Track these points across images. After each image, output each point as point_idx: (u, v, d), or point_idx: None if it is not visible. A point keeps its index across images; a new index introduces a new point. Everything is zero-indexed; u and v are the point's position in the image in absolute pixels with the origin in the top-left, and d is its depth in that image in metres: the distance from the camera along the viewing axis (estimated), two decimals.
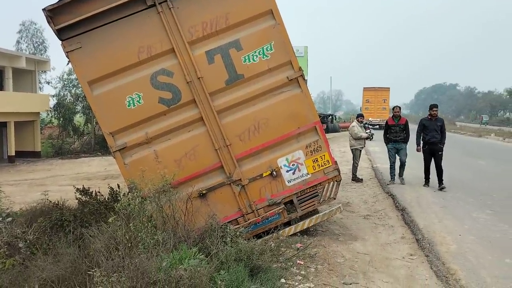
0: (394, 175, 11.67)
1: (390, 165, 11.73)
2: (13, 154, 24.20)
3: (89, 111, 30.30)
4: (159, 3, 5.87)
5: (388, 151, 11.71)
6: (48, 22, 5.65)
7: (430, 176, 10.93)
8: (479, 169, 14.40)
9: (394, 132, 11.44)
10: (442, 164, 10.50)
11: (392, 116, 11.65)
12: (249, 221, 6.26)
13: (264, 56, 6.18)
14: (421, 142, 10.91)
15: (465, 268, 5.52)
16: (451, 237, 6.81)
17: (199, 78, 6.07)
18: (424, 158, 10.86)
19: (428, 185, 10.83)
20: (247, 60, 6.16)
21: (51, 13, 5.63)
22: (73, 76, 32.04)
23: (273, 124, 6.26)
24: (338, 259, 5.78)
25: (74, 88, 31.92)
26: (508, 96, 77.24)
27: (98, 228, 5.54)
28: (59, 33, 5.76)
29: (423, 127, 10.79)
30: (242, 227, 5.96)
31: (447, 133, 11.44)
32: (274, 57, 6.19)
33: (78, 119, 32.87)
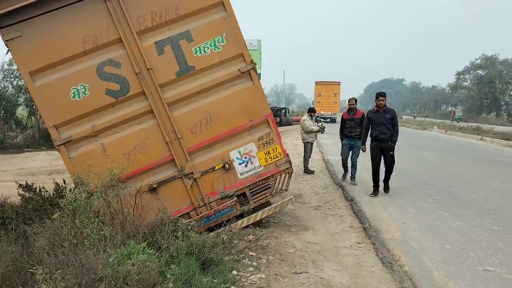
0: (347, 172, 10.98)
1: (342, 162, 10.94)
2: None
3: (32, 103, 28.77)
4: None
5: (342, 146, 10.78)
6: None
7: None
8: (422, 160, 15.14)
9: (349, 127, 10.45)
10: (392, 166, 9.12)
11: (348, 110, 10.64)
12: (201, 214, 6.22)
13: (216, 48, 6.12)
14: (368, 139, 9.46)
15: (408, 254, 5.80)
16: (396, 225, 7.12)
17: (148, 69, 5.92)
18: (371, 158, 9.17)
19: (377, 195, 9.17)
20: (198, 52, 6.08)
21: None
22: (15, 67, 30.26)
23: (225, 116, 6.24)
24: (289, 250, 5.88)
25: (16, 80, 30.20)
26: (450, 91, 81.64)
27: (42, 225, 5.31)
28: None
29: (369, 121, 9.19)
30: (194, 220, 5.91)
31: None
32: (226, 49, 6.15)
33: (21, 112, 31.14)
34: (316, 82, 44.65)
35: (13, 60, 24.65)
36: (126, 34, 5.80)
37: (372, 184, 9.30)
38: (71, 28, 5.64)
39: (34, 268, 3.55)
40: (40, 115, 27.64)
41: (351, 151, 10.66)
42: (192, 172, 6.17)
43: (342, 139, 10.83)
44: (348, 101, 10.74)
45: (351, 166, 10.64)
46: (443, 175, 11.95)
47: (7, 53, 5.74)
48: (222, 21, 6.11)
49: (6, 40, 5.54)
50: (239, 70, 6.23)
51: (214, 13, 6.09)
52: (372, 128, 9.19)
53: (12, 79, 30.35)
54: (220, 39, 6.13)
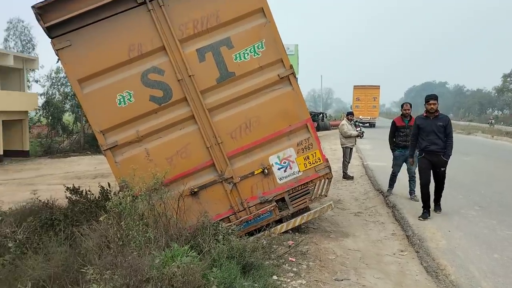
0: (393, 184, 9.84)
1: (392, 175, 9.72)
2: (1, 153, 23.91)
3: (78, 109, 30.03)
4: (149, 1, 5.84)
5: (394, 158, 9.57)
6: (38, 20, 5.59)
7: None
8: (467, 166, 14.59)
9: (404, 136, 9.21)
10: (444, 182, 7.95)
11: (401, 115, 9.52)
12: (240, 219, 6.27)
13: (255, 54, 6.19)
14: (416, 150, 8.17)
15: (454, 263, 5.60)
16: (440, 233, 6.89)
17: (190, 76, 6.06)
18: (420, 173, 7.97)
19: (427, 217, 7.74)
20: (238, 58, 6.17)
21: (41, 11, 5.57)
22: (62, 75, 31.73)
23: (265, 122, 6.28)
24: (330, 256, 5.82)
25: (63, 87, 31.62)
26: (496, 94, 78.27)
27: (89, 227, 5.52)
28: (49, 30, 5.70)
29: (418, 129, 7.93)
30: (234, 225, 5.97)
31: None
32: (265, 55, 6.20)
33: (67, 117, 32.56)
34: (354, 86, 44.03)
35: (60, 69, 25.87)
36: (169, 42, 5.96)
37: (422, 205, 7.95)
38: (117, 37, 5.86)
39: (86, 268, 3.69)
40: (85, 121, 28.83)
41: (404, 163, 9.45)
42: (231, 177, 6.24)
43: (393, 149, 9.57)
44: (402, 106, 9.62)
45: (410, 180, 9.42)
46: (489, 181, 11.47)
47: (57, 61, 6.04)
48: (261, 27, 6.16)
49: (56, 50, 5.82)
50: (278, 75, 6.27)
51: (254, 19, 6.15)
52: (420, 137, 7.90)
53: (59, 87, 31.78)
54: (260, 45, 6.19)
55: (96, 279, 3.35)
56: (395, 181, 9.82)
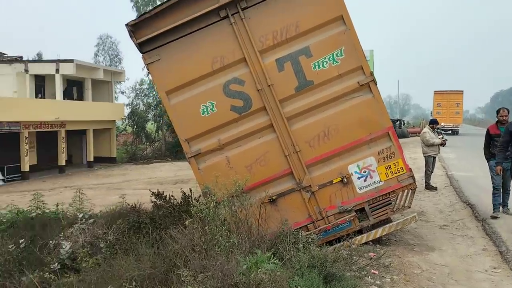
0: (499, 204, 8.41)
1: (493, 190, 8.40)
2: (92, 159, 26.01)
3: (160, 119, 31.85)
4: (231, 15, 6.07)
5: (490, 170, 8.51)
6: (131, 37, 6.04)
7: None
8: None
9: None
10: None
11: (497, 122, 8.59)
12: (319, 228, 6.22)
13: (334, 62, 6.15)
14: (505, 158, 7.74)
15: None
16: None
17: (269, 85, 6.17)
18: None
19: None
20: (316, 66, 6.17)
21: (133, 28, 6.02)
22: (145, 86, 33.89)
23: (344, 130, 6.20)
24: (415, 270, 5.57)
25: (146, 97, 33.73)
26: None
27: (175, 231, 5.81)
28: (140, 46, 6.13)
29: (510, 136, 7.50)
30: (313, 233, 5.94)
31: None
32: (345, 62, 6.15)
33: (150, 126, 34.61)
34: (435, 91, 41.79)
35: (144, 80, 27.55)
36: (250, 53, 6.13)
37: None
38: (202, 50, 6.15)
39: (181, 269, 3.90)
40: (166, 129, 30.44)
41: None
42: (310, 185, 6.23)
43: (488, 159, 8.68)
44: (498, 111, 8.67)
45: (503, 192, 8.48)
46: None
47: (148, 74, 6.47)
48: (341, 35, 6.12)
49: (147, 64, 6.25)
50: (358, 83, 6.17)
51: (333, 27, 6.13)
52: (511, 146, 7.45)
53: (143, 97, 33.92)
54: (339, 52, 6.15)
55: (190, 281, 3.51)
56: (499, 198, 8.41)
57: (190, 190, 7.87)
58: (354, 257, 5.59)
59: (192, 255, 4.62)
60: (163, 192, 7.99)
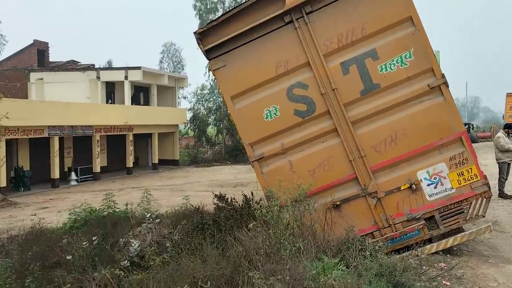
0: None
1: None
2: (156, 162, 27.11)
3: (220, 123, 32.56)
4: (296, 19, 6.08)
5: None
6: (198, 44, 6.24)
7: None
8: None
9: None
10: None
11: None
12: (385, 235, 6.04)
13: (403, 64, 5.96)
14: None
15: None
16: None
17: (333, 89, 6.10)
18: None
19: None
20: (383, 69, 6.02)
21: (201, 36, 6.21)
22: (206, 91, 34.82)
23: (412, 135, 5.98)
24: (490, 283, 5.23)
25: (207, 102, 34.64)
26: None
27: (237, 233, 5.89)
28: (207, 53, 6.31)
29: None
30: (380, 241, 5.77)
31: None
32: (414, 64, 5.93)
33: (210, 130, 35.46)
34: (507, 94, 39.03)
35: (205, 86, 28.27)
36: (314, 57, 6.11)
37: None
38: (266, 55, 6.21)
39: (252, 272, 3.96)
40: (226, 133, 31.04)
41: None
42: (376, 191, 6.07)
43: None
44: None
45: None
46: None
47: (214, 80, 6.65)
48: (410, 36, 5.92)
49: (213, 70, 6.42)
50: (428, 85, 5.93)
51: (402, 28, 5.95)
52: None
53: (204, 102, 34.86)
54: (408, 54, 5.95)
55: (260, 284, 3.56)
56: None
57: (252, 194, 7.96)
58: (424, 267, 5.36)
59: (257, 258, 4.66)
60: (225, 194, 8.15)
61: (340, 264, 4.17)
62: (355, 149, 6.10)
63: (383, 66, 6.01)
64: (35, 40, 31.16)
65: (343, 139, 6.13)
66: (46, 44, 31.95)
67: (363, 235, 5.86)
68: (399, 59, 5.95)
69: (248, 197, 7.83)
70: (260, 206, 6.87)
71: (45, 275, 6.52)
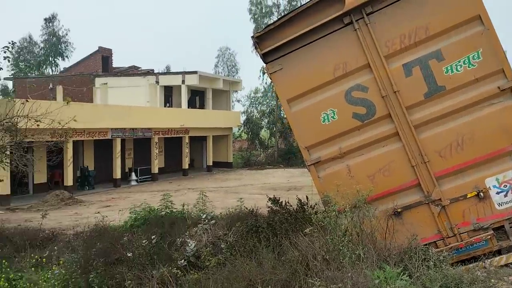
0: None
1: None
2: (211, 164, 27.66)
3: (273, 126, 32.66)
4: (356, 20, 5.94)
5: None
6: (255, 48, 6.28)
7: None
8: None
9: None
10: None
11: None
12: (450, 245, 5.73)
13: (470, 65, 5.65)
14: None
15: None
16: None
17: (395, 92, 5.90)
18: None
19: None
20: (449, 70, 5.74)
21: (258, 39, 6.24)
22: (259, 95, 35.13)
23: (480, 139, 5.65)
24: None
25: (260, 105, 34.92)
26: None
27: (291, 237, 5.84)
28: (264, 57, 6.33)
29: None
30: (444, 251, 5.49)
31: None
32: (482, 65, 5.61)
33: (263, 133, 35.66)
34: None
35: (258, 89, 28.62)
36: (374, 59, 5.94)
37: None
38: (324, 58, 6.13)
39: (314, 279, 3.92)
40: (279, 136, 31.08)
41: None
42: (440, 199, 5.78)
43: None
44: None
45: None
46: None
47: (267, 83, 6.66)
48: (478, 36, 5.60)
49: (270, 74, 6.42)
50: (498, 87, 5.59)
51: (469, 28, 5.64)
52: None
53: (257, 105, 35.17)
54: (476, 55, 5.63)
55: None
56: None
57: (307, 198, 7.87)
58: (492, 280, 5.02)
59: (315, 264, 4.60)
60: (278, 198, 8.12)
61: (403, 274, 4.00)
62: (418, 154, 5.86)
63: (449, 68, 5.73)
64: (100, 47, 32.95)
65: (405, 143, 5.90)
66: (110, 50, 33.70)
67: (425, 244, 5.61)
68: (466, 60, 5.65)
69: (302, 201, 7.77)
70: (316, 211, 6.78)
71: (107, 271, 6.83)
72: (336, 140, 6.20)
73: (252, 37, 6.28)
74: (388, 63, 5.92)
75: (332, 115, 6.17)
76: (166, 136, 24.45)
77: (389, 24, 5.89)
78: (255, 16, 33.52)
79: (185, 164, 25.58)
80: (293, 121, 6.43)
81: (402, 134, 5.90)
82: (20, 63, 43.04)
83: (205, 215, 8.62)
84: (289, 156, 30.22)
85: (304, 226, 6.08)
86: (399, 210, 5.87)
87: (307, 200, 7.75)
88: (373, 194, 5.87)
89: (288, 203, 7.85)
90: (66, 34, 44.61)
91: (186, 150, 25.56)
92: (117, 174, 20.97)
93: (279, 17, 6.59)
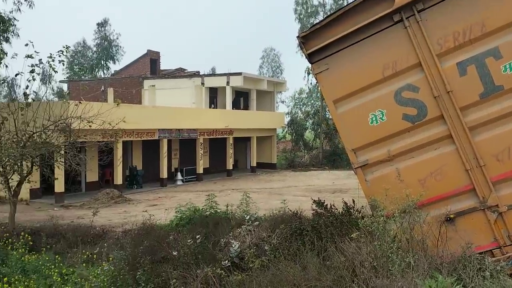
0: None
1: None
2: (255, 165, 27.76)
3: (318, 127, 32.30)
4: (406, 18, 5.71)
5: None
6: (301, 48, 6.19)
7: None
8: None
9: None
10: None
11: None
12: (508, 254, 5.37)
13: None
14: None
15: None
16: None
17: (448, 92, 5.61)
18: None
19: None
20: (508, 69, 5.39)
21: (303, 39, 6.15)
22: (304, 95, 34.85)
23: None
24: None
25: (304, 106, 34.64)
26: None
27: (336, 242, 5.70)
28: (309, 57, 6.22)
29: None
30: (501, 261, 5.15)
31: None
32: None
33: (308, 134, 35.36)
34: None
35: (303, 90, 28.44)
36: (426, 57, 5.68)
37: None
38: (372, 57, 5.93)
39: (361, 287, 3.80)
40: (324, 138, 30.70)
41: None
42: (496, 205, 5.44)
43: None
44: None
45: None
46: None
47: (316, 84, 6.55)
48: None
49: (315, 74, 6.30)
50: None
51: None
52: None
53: (301, 106, 34.92)
54: None
55: None
56: None
57: (353, 201, 7.67)
58: None
59: (362, 271, 4.45)
60: (324, 200, 7.96)
61: (457, 284, 3.77)
62: (473, 158, 5.54)
63: (507, 66, 5.38)
64: (148, 50, 34.01)
65: (459, 146, 5.60)
66: (157, 53, 34.70)
67: (480, 253, 5.29)
68: None
69: (348, 204, 7.58)
70: (362, 215, 6.59)
71: (153, 269, 6.97)
72: (384, 142, 5.99)
73: (298, 37, 6.19)
74: (441, 61, 5.64)
75: (381, 116, 5.97)
76: (211, 137, 24.80)
77: (442, 21, 5.61)
78: (301, 16, 33.33)
79: (229, 164, 25.82)
80: (340, 123, 6.27)
81: (455, 136, 5.60)
82: (75, 67, 45.27)
83: (248, 216, 8.63)
84: (334, 158, 29.78)
85: (350, 230, 5.92)
86: (451, 216, 5.57)
87: (353, 204, 7.57)
88: (424, 199, 5.61)
89: (334, 206, 7.68)
90: (117, 38, 46.47)
91: (230, 151, 25.80)
92: (164, 173, 21.49)
93: (325, 16, 6.44)
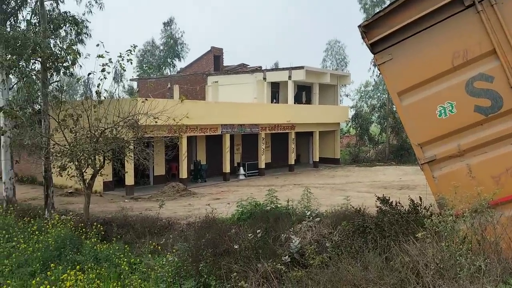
0: None
1: None
2: (317, 160, 27.39)
3: (384, 121, 31.17)
4: (479, 2, 5.28)
5: None
6: (363, 38, 5.94)
7: None
8: None
9: None
10: None
11: None
12: None
13: None
14: None
15: None
16: None
17: None
18: None
19: None
20: None
21: (366, 29, 5.90)
22: (369, 88, 33.77)
23: None
24: None
25: (370, 99, 33.56)
26: None
27: (402, 241, 5.43)
28: (372, 47, 5.96)
29: None
30: None
31: None
32: None
33: (373, 128, 34.24)
34: None
35: (368, 82, 27.55)
36: (502, 44, 5.23)
37: None
38: (440, 45, 5.57)
39: None
40: (391, 132, 29.57)
41: None
42: None
43: None
44: None
45: None
46: None
47: (378, 76, 6.26)
48: None
49: (378, 64, 6.03)
50: None
51: None
52: None
53: (367, 99, 33.87)
54: None
55: None
56: None
57: (420, 198, 7.29)
58: None
59: (426, 273, 4.19)
60: (389, 197, 7.64)
61: None
62: None
63: None
64: (212, 47, 34.75)
65: None
66: (221, 50, 35.35)
67: None
68: None
69: (415, 202, 7.22)
70: (430, 213, 6.24)
71: (215, 261, 7.12)
72: (454, 137, 5.62)
73: (359, 26, 5.95)
74: None
75: (450, 109, 5.58)
76: (273, 131, 24.82)
77: None
78: (366, 6, 32.27)
79: (291, 159, 25.71)
80: (405, 116, 5.96)
81: None
82: (144, 65, 47.47)
83: (309, 212, 8.52)
84: (402, 153, 28.57)
85: (416, 229, 5.61)
86: None
87: (420, 201, 7.19)
88: (497, 197, 5.18)
89: (399, 203, 7.36)
90: (181, 36, 47.99)
91: (292, 146, 25.67)
92: (227, 168, 21.88)
93: (389, 3, 6.13)
